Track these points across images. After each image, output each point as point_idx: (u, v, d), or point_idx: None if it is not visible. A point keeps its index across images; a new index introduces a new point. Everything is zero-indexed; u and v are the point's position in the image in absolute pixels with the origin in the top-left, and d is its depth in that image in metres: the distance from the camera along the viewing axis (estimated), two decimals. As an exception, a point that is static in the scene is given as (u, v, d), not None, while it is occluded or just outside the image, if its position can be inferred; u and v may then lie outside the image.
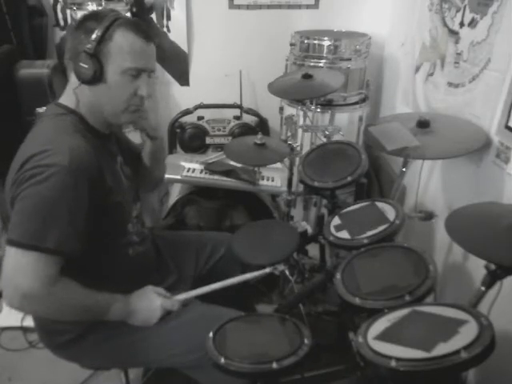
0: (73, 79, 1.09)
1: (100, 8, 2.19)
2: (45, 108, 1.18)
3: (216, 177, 2.09)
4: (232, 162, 2.02)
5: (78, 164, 0.99)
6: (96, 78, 1.04)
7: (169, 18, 2.54)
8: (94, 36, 1.02)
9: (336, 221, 1.37)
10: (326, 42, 2.14)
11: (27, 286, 0.96)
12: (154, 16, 2.51)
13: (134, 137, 2.38)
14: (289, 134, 2.21)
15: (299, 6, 2.54)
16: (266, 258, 1.35)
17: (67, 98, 1.12)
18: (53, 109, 1.12)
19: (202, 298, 1.27)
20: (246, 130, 2.54)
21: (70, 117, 1.09)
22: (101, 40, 1.03)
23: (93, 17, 1.06)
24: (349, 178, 1.46)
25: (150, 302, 1.15)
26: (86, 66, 1.03)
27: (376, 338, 0.87)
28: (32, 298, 0.97)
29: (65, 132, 1.05)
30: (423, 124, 1.50)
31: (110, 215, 1.12)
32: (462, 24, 1.61)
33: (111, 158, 1.19)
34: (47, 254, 0.96)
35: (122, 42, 1.04)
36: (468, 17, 1.56)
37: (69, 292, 1.03)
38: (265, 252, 1.38)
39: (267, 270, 1.29)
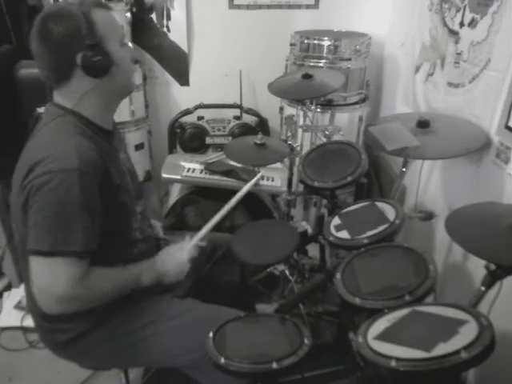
0: (79, 83, 1.06)
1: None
2: (43, 109, 1.17)
3: (216, 177, 2.09)
4: (232, 162, 2.02)
5: (87, 164, 0.99)
6: (110, 61, 1.05)
7: (169, 18, 2.54)
8: (82, 31, 1.00)
9: (336, 221, 1.37)
10: (326, 42, 2.14)
11: (65, 291, 0.98)
12: (154, 16, 2.51)
13: (136, 136, 2.40)
14: (289, 134, 2.21)
15: (299, 6, 2.54)
16: (266, 258, 1.35)
17: (63, 99, 1.09)
18: (52, 111, 1.10)
19: (202, 298, 1.27)
20: (246, 130, 2.54)
21: (71, 117, 1.08)
22: (91, 29, 1.01)
23: (60, 18, 1.01)
24: (349, 178, 1.46)
25: (176, 260, 1.21)
26: (100, 58, 1.02)
27: (376, 338, 0.87)
28: (72, 299, 1.01)
29: (68, 134, 1.04)
30: (423, 124, 1.50)
31: (116, 213, 1.12)
32: (461, 24, 1.61)
33: (116, 155, 1.18)
34: (76, 257, 0.99)
35: (104, 21, 1.05)
36: (468, 17, 1.56)
37: (102, 279, 1.07)
38: (265, 252, 1.38)
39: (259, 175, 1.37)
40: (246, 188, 1.33)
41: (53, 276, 0.98)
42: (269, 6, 2.54)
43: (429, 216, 1.47)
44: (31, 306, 1.15)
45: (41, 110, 1.79)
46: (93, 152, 1.03)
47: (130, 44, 1.18)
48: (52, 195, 0.96)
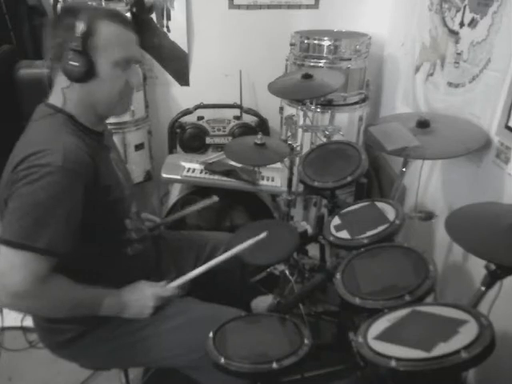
0: (60, 78, 1.06)
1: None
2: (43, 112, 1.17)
3: (216, 177, 2.09)
4: (232, 162, 2.02)
5: (72, 163, 0.98)
6: (88, 74, 1.03)
7: (169, 18, 2.54)
8: (77, 32, 1.00)
9: (336, 221, 1.38)
10: (326, 42, 2.14)
11: (18, 285, 0.95)
12: (154, 16, 2.51)
13: (136, 136, 2.40)
14: (289, 133, 2.20)
15: (299, 6, 2.54)
16: (266, 258, 1.35)
17: (54, 98, 1.10)
18: (43, 110, 1.10)
19: (202, 297, 1.27)
20: (246, 130, 2.54)
21: (60, 116, 1.08)
22: (86, 35, 1.01)
23: (69, 12, 1.04)
24: (349, 178, 1.46)
25: (142, 292, 1.15)
26: (76, 64, 1.01)
27: (376, 338, 0.87)
28: (23, 296, 0.97)
29: (59, 131, 1.04)
30: (423, 124, 1.49)
31: (108, 213, 1.12)
32: (462, 24, 1.61)
33: (106, 155, 1.18)
34: (38, 254, 0.96)
35: (108, 34, 1.03)
36: (468, 17, 1.56)
37: (60, 289, 1.02)
38: (265, 252, 1.38)
39: (250, 241, 1.25)
40: (244, 245, 1.25)
41: (10, 267, 0.95)
42: (269, 6, 2.54)
43: (429, 216, 1.47)
44: None
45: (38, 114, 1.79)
46: (81, 151, 1.02)
47: (136, 81, 1.11)
48: (31, 187, 0.96)
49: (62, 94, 1.07)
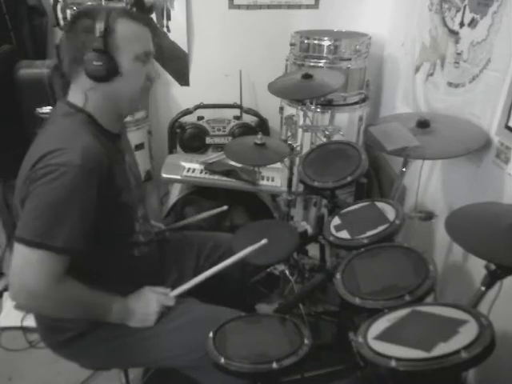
0: (82, 80, 1.07)
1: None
2: (49, 108, 1.18)
3: (216, 177, 2.09)
4: (232, 162, 2.02)
5: (90, 163, 0.99)
6: (112, 72, 1.05)
7: (169, 18, 2.54)
8: (96, 33, 1.02)
9: (336, 221, 1.37)
10: (326, 42, 2.14)
11: (34, 284, 0.97)
12: (154, 16, 2.51)
13: (136, 136, 2.40)
14: (289, 134, 2.20)
15: (299, 6, 2.54)
16: (266, 258, 1.35)
17: (75, 97, 1.11)
18: (63, 107, 1.11)
19: (202, 298, 1.27)
20: (245, 130, 2.54)
21: (80, 116, 1.09)
22: (105, 35, 1.03)
23: (85, 15, 1.06)
24: (349, 178, 1.46)
25: (148, 302, 1.16)
26: (100, 64, 1.03)
27: (376, 338, 0.87)
28: (38, 295, 0.98)
29: (77, 131, 1.05)
30: (423, 124, 1.49)
31: (118, 215, 1.13)
32: (462, 24, 1.61)
33: (121, 158, 1.19)
34: (54, 253, 0.97)
35: (126, 31, 1.05)
36: (468, 17, 1.56)
37: (74, 290, 1.04)
38: (265, 252, 1.37)
39: (250, 248, 1.26)
40: (244, 252, 1.26)
41: (26, 266, 0.97)
42: (269, 6, 2.54)
43: (429, 216, 1.47)
44: None
45: (41, 110, 1.79)
46: (98, 151, 1.03)
47: (156, 73, 1.14)
48: (48, 186, 0.96)
49: (85, 95, 1.09)
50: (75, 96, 1.11)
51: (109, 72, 1.04)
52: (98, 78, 1.05)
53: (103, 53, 1.03)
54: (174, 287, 1.27)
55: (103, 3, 2.20)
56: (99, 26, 1.02)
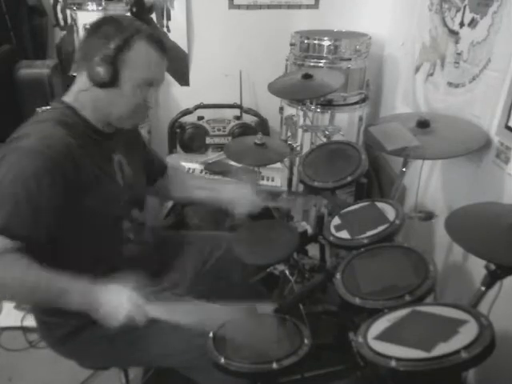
0: (82, 79, 1.10)
1: (105, 10, 2.21)
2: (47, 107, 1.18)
3: (216, 177, 2.09)
4: (232, 162, 2.02)
5: (45, 148, 0.99)
6: (109, 82, 1.06)
7: (169, 18, 2.54)
8: (112, 43, 1.04)
9: (336, 221, 1.37)
10: (326, 42, 2.14)
11: None
12: (154, 16, 2.51)
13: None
14: (289, 133, 2.21)
15: (299, 6, 2.54)
16: (266, 258, 1.35)
17: (69, 95, 1.13)
18: (54, 103, 1.14)
19: (202, 297, 1.27)
20: (245, 130, 2.54)
21: (63, 110, 1.10)
22: (120, 48, 1.04)
23: (113, 23, 1.07)
24: (349, 178, 1.46)
25: (119, 295, 1.00)
26: (101, 70, 1.04)
27: (376, 338, 0.87)
28: None
29: (50, 121, 1.06)
30: (423, 124, 1.49)
31: (91, 213, 1.10)
32: (462, 24, 1.61)
33: (105, 157, 1.17)
34: None
35: (141, 54, 1.07)
36: (468, 17, 1.56)
37: (13, 268, 0.95)
38: (265, 252, 1.38)
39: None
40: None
41: None
42: (269, 6, 2.54)
43: (429, 216, 1.47)
44: None
45: (41, 110, 1.79)
46: (63, 143, 1.03)
47: (154, 102, 1.15)
48: (5, 166, 0.98)
49: (79, 93, 1.11)
50: (70, 94, 1.13)
51: (107, 81, 1.05)
52: (95, 81, 1.06)
53: (110, 62, 1.04)
54: (173, 287, 1.27)
55: (103, 4, 2.21)
56: (118, 39, 1.04)
